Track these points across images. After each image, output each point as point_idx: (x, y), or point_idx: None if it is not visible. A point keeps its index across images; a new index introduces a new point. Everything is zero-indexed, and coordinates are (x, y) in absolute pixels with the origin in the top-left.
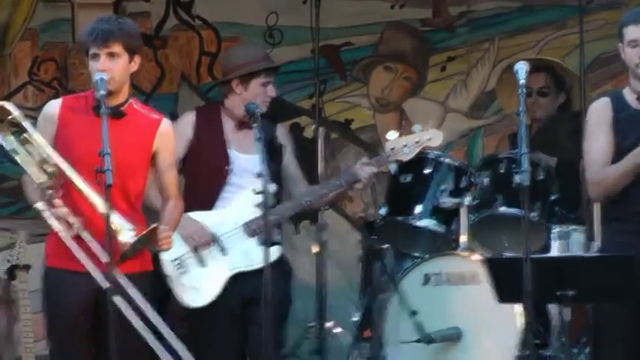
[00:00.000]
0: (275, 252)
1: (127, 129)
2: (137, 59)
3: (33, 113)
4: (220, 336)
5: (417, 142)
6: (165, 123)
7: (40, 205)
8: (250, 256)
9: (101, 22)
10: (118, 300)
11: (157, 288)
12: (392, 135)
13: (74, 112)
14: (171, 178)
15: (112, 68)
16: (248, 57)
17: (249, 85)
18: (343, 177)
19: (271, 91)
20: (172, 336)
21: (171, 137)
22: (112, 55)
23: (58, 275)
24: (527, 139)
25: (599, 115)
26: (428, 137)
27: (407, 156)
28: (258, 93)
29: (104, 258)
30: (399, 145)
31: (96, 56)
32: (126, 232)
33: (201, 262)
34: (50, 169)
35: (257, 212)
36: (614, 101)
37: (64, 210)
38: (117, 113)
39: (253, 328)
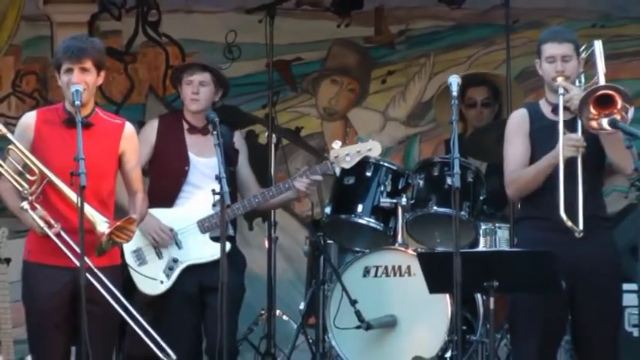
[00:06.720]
0: (226, 246)
1: (96, 137)
2: (102, 74)
3: (15, 122)
4: (180, 320)
5: (358, 152)
6: (128, 126)
7: (25, 205)
8: (202, 250)
9: (75, 41)
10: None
11: (126, 278)
12: (336, 144)
13: (48, 125)
14: (136, 175)
15: (84, 81)
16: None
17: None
18: (288, 182)
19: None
20: (143, 322)
21: (135, 139)
22: (84, 69)
23: (37, 269)
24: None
25: (516, 124)
26: (368, 148)
27: (349, 164)
28: (185, 94)
29: (79, 252)
30: (342, 153)
31: (70, 70)
32: (102, 224)
33: (158, 254)
34: (32, 177)
35: (210, 211)
36: (531, 112)
37: (43, 212)
38: (87, 124)
39: (210, 313)
